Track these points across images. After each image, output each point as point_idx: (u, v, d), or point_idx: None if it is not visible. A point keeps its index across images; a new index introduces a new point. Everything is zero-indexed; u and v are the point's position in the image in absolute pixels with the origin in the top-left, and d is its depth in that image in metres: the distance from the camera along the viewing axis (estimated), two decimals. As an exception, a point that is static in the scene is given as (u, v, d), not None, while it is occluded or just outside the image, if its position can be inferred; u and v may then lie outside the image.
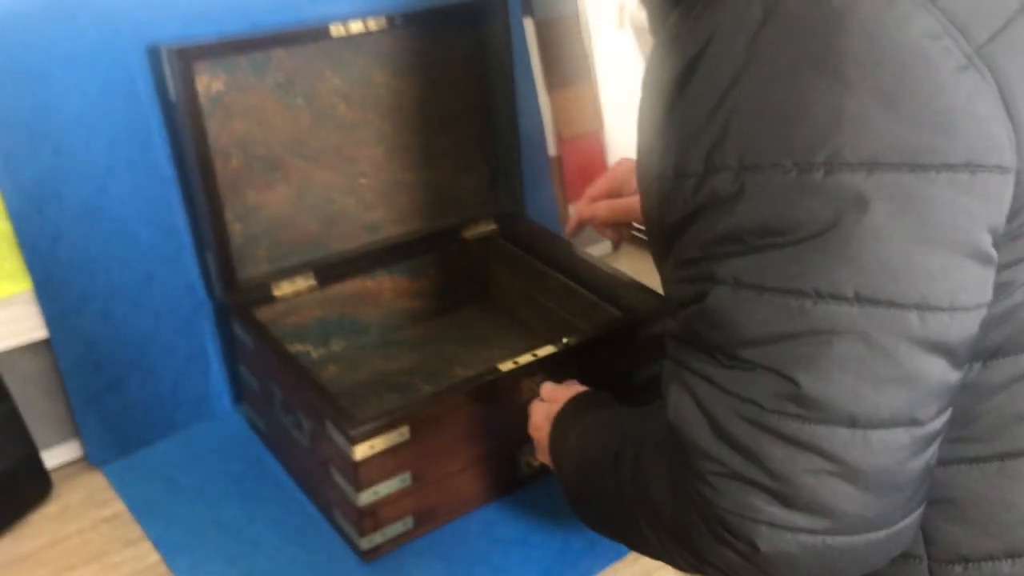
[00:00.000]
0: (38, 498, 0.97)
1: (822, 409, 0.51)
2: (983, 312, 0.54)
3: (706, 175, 0.54)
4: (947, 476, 0.59)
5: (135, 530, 0.94)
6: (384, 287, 1.15)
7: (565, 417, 0.79)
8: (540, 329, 1.17)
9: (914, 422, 0.52)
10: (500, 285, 1.23)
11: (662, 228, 0.60)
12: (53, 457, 1.01)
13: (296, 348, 1.09)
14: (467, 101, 1.17)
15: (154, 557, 0.91)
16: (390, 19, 1.05)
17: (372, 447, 0.83)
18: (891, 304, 0.50)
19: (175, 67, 0.93)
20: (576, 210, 0.99)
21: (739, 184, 0.52)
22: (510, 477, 0.96)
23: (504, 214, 1.22)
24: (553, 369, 0.91)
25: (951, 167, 0.50)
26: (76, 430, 1.01)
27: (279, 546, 0.91)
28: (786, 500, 0.53)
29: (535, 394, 0.87)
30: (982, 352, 0.57)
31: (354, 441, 0.82)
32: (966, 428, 0.59)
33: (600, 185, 0.98)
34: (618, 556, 0.90)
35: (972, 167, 0.50)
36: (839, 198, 0.50)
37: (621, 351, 0.99)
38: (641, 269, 1.34)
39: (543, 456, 0.83)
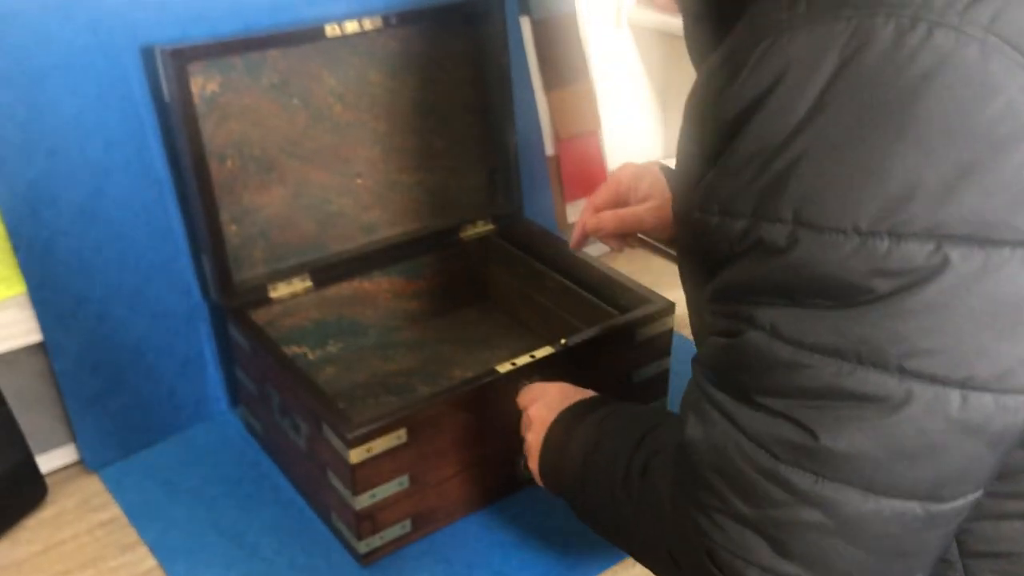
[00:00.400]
0: (33, 503, 0.96)
1: (839, 469, 0.50)
2: None
3: (756, 220, 0.51)
4: (999, 531, 0.57)
5: (131, 535, 0.93)
6: (381, 288, 1.14)
7: (564, 423, 0.78)
8: (539, 329, 1.16)
9: (933, 498, 0.51)
10: (498, 285, 1.22)
11: (700, 259, 0.58)
12: (48, 461, 1.00)
13: (293, 350, 1.08)
14: (464, 101, 1.16)
15: (150, 562, 0.90)
16: (385, 19, 1.05)
17: (369, 450, 0.83)
18: (934, 380, 0.48)
19: (170, 68, 0.93)
20: (580, 221, 0.95)
21: (793, 240, 0.50)
22: (509, 479, 0.96)
23: (502, 214, 1.21)
24: (551, 370, 0.91)
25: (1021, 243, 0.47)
26: (71, 434, 1.01)
27: (277, 550, 0.91)
28: (782, 549, 0.52)
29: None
30: None
31: (351, 444, 0.82)
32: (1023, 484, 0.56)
33: (603, 194, 0.95)
34: (617, 559, 0.89)
35: None
36: (901, 271, 0.48)
37: (620, 351, 0.98)
38: (640, 269, 1.34)
39: (533, 463, 0.81)
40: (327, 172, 1.08)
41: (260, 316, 1.02)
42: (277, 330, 1.04)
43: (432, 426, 0.87)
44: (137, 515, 0.95)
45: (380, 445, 0.83)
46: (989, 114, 0.46)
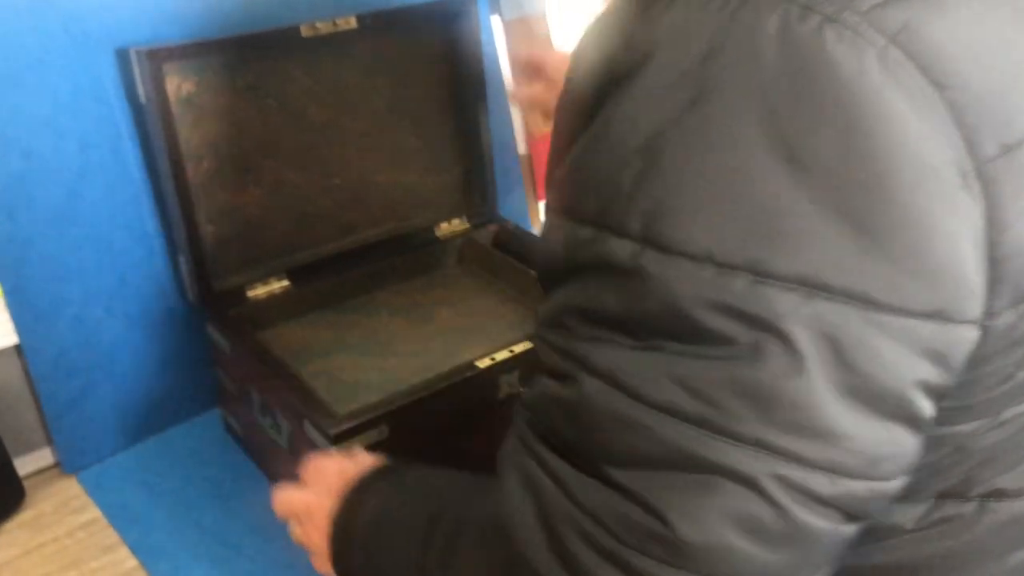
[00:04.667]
0: (11, 507, 0.96)
1: (691, 559, 0.41)
2: (904, 479, 0.44)
3: (600, 231, 0.42)
4: None
5: (111, 536, 0.93)
6: (358, 287, 1.15)
7: (348, 504, 0.63)
8: (516, 325, 1.17)
9: None
10: (474, 283, 1.23)
11: (538, 270, 0.49)
12: (26, 464, 1.00)
13: (271, 350, 1.08)
14: (438, 101, 1.17)
15: (132, 563, 0.90)
16: (360, 19, 1.05)
17: (351, 446, 0.84)
18: (800, 462, 0.41)
19: (145, 69, 0.93)
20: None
21: (637, 262, 0.41)
22: (489, 473, 0.97)
23: (476, 212, 1.22)
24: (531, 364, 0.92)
25: (908, 313, 0.40)
26: (49, 437, 1.00)
27: (261, 548, 0.91)
28: None
29: (515, 391, 0.88)
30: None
31: (334, 441, 0.82)
32: None
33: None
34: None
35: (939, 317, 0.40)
36: (758, 319, 0.39)
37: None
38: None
39: (324, 565, 0.66)
40: (303, 172, 1.08)
41: (238, 316, 1.02)
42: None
43: (412, 422, 0.87)
44: (117, 516, 0.95)
45: (362, 441, 0.84)
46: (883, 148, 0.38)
